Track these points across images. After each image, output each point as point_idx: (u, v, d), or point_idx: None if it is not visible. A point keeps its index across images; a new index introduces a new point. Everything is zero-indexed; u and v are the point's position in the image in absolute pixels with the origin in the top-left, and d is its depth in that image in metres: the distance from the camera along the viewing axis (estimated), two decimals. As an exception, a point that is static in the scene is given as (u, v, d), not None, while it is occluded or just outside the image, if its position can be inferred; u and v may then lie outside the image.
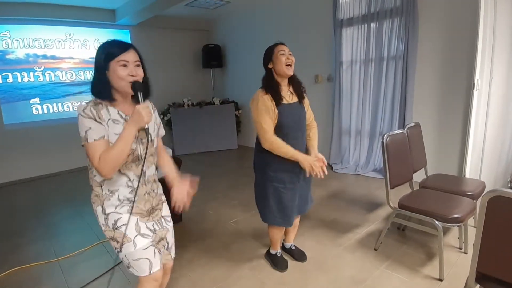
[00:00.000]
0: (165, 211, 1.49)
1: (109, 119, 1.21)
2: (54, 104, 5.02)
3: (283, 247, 2.34)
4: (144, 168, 1.31)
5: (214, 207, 3.33)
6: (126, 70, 1.18)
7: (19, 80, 4.67)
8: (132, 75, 1.19)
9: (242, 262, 2.27)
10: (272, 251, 2.23)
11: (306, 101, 2.01)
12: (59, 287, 2.09)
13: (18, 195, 4.23)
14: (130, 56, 1.20)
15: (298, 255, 2.26)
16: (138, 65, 1.23)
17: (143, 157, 1.30)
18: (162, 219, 1.46)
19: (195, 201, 3.56)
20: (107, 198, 1.27)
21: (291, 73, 1.85)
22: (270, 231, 2.13)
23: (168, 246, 1.48)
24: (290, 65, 1.82)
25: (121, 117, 1.25)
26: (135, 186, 1.29)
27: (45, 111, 4.95)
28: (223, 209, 3.27)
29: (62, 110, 5.09)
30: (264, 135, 1.80)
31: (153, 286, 1.35)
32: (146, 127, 1.22)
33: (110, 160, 1.14)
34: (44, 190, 4.34)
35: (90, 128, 1.15)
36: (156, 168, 1.44)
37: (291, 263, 2.22)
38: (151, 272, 1.31)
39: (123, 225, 1.27)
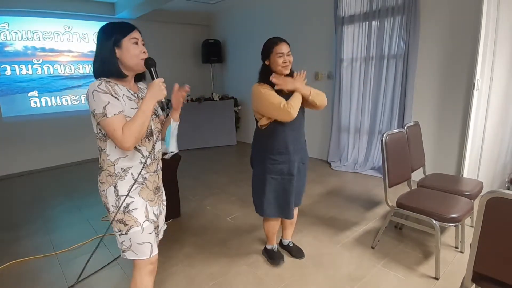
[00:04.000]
0: (163, 195, 1.53)
1: (123, 95, 1.25)
2: (53, 98, 4.98)
3: (280, 244, 2.35)
4: (156, 143, 1.36)
5: (212, 203, 3.34)
6: (138, 48, 1.25)
7: (17, 72, 4.63)
8: (144, 52, 1.26)
9: (239, 258, 2.28)
10: (269, 246, 2.24)
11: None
12: (57, 281, 2.09)
13: (17, 188, 4.22)
14: (138, 35, 1.26)
15: (296, 252, 2.27)
16: (144, 44, 1.29)
17: (154, 132, 1.35)
18: (161, 203, 1.49)
19: (194, 197, 3.60)
20: (121, 177, 1.28)
21: (287, 72, 1.85)
22: (265, 226, 2.14)
23: (158, 229, 1.50)
24: (286, 66, 1.82)
25: (131, 94, 1.29)
26: (148, 163, 1.33)
27: (44, 104, 4.92)
28: (221, 205, 3.27)
29: (60, 104, 5.06)
30: (279, 109, 1.71)
31: (150, 269, 1.39)
32: (162, 100, 1.26)
33: (134, 132, 1.17)
34: (42, 183, 4.33)
35: (108, 102, 1.17)
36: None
37: (289, 259, 2.23)
38: (151, 255, 1.35)
39: (134, 209, 1.29)
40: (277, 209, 1.98)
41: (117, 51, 1.22)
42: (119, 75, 1.25)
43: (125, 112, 1.22)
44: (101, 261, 2.27)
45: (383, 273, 2.04)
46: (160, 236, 1.53)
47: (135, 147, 1.28)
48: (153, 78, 1.25)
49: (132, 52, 1.23)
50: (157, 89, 1.22)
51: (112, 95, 1.18)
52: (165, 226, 1.59)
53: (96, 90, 1.16)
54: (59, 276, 2.15)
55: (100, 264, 2.24)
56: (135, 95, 1.30)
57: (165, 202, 1.53)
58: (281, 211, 1.98)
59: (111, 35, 1.22)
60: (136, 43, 1.24)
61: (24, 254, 2.43)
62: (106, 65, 1.23)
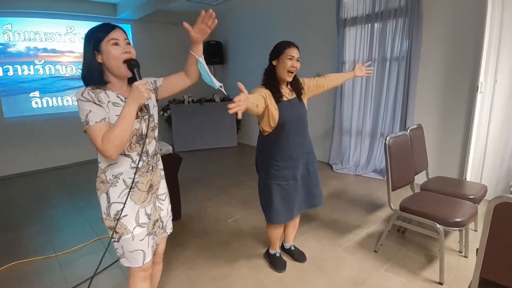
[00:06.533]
0: (162, 188, 1.46)
1: (109, 101, 1.20)
2: (54, 98, 4.99)
3: (282, 247, 2.33)
4: (146, 146, 1.31)
5: (213, 205, 3.32)
6: (119, 49, 1.18)
7: (20, 73, 4.64)
8: (126, 52, 1.18)
9: (241, 261, 2.26)
10: (271, 251, 2.22)
11: (307, 85, 1.99)
12: (57, 283, 2.08)
13: (18, 189, 4.21)
14: (118, 34, 1.19)
15: (298, 255, 2.25)
16: (128, 43, 1.22)
17: (146, 135, 1.29)
18: (156, 199, 1.43)
19: (194, 198, 3.58)
20: (112, 184, 1.26)
21: (290, 80, 1.84)
22: (269, 231, 2.12)
23: (163, 224, 1.46)
24: (292, 72, 1.81)
25: (121, 100, 1.23)
26: (139, 165, 1.29)
27: (45, 105, 4.92)
28: (222, 207, 3.25)
29: (61, 104, 5.07)
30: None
31: (143, 276, 1.38)
32: (145, 103, 1.20)
33: (113, 140, 1.12)
34: (43, 184, 4.32)
35: (90, 111, 1.13)
36: (157, 141, 1.42)
37: (291, 263, 2.21)
38: (144, 262, 1.32)
39: (124, 216, 1.26)
40: (285, 214, 1.94)
41: (98, 56, 1.17)
42: (102, 82, 1.20)
43: (110, 120, 1.18)
44: (101, 263, 2.24)
45: (386, 277, 2.02)
46: (169, 231, 1.51)
47: (124, 153, 1.24)
48: (136, 80, 1.18)
49: (112, 54, 1.16)
50: (137, 93, 1.14)
51: (95, 103, 1.14)
52: (171, 217, 1.55)
53: (80, 99, 1.14)
54: (59, 278, 2.13)
55: (100, 266, 2.21)
56: (126, 100, 1.23)
57: (163, 196, 1.47)
58: (288, 216, 1.95)
59: (91, 41, 1.17)
60: (117, 43, 1.17)
61: (25, 255, 2.41)
62: (90, 72, 1.19)
